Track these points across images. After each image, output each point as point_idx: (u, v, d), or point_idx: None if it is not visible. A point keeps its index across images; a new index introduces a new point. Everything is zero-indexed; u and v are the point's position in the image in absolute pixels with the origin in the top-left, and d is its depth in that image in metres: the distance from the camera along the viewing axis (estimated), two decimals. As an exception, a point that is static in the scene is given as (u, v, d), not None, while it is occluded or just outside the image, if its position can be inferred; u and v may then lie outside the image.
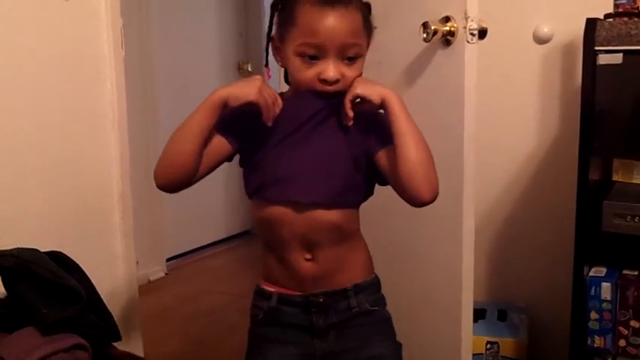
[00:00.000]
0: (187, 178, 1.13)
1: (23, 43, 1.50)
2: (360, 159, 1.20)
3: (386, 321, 1.29)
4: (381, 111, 1.17)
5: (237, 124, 1.17)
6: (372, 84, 1.15)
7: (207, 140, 1.14)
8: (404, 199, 1.16)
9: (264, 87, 1.13)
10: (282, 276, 1.23)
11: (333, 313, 1.22)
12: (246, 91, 1.11)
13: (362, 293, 1.24)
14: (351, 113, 1.16)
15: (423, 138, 1.15)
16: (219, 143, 1.17)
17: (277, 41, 1.20)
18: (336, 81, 1.14)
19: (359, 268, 1.25)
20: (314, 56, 1.12)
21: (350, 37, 1.12)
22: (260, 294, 1.27)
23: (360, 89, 1.14)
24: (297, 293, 1.22)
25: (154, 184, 1.16)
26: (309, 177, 1.17)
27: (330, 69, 1.12)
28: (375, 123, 1.19)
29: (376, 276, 1.29)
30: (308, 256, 1.20)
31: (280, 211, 1.17)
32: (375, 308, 1.26)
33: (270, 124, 1.14)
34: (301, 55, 1.13)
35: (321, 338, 1.23)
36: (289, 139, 1.17)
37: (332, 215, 1.18)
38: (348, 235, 1.23)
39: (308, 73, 1.14)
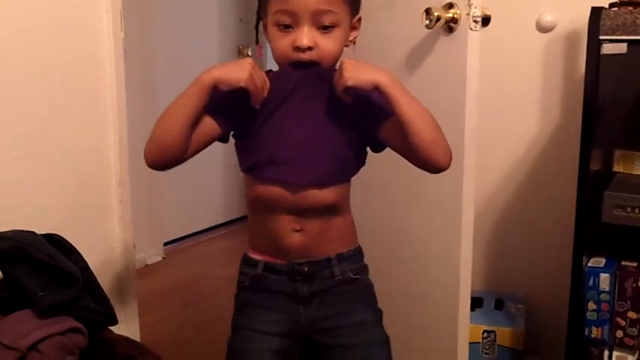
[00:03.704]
0: (176, 158, 1.15)
1: (20, 24, 1.48)
2: (352, 135, 1.20)
3: (368, 288, 1.31)
4: None
5: (227, 105, 1.17)
6: (361, 70, 1.12)
7: (196, 121, 1.14)
8: (418, 167, 1.17)
9: (255, 71, 1.12)
10: (269, 245, 1.24)
11: (317, 281, 1.24)
12: (237, 76, 1.11)
13: (345, 262, 1.26)
14: (348, 101, 1.15)
15: (425, 112, 1.13)
16: (209, 125, 1.17)
17: (263, 17, 1.20)
18: (309, 48, 1.13)
19: (344, 238, 1.27)
20: (288, 25, 1.13)
21: (323, 3, 1.12)
22: (246, 262, 1.29)
23: (351, 81, 1.11)
24: (282, 262, 1.24)
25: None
26: (304, 157, 1.17)
27: (303, 35, 1.12)
28: (368, 98, 1.17)
29: (359, 245, 1.30)
30: (297, 227, 1.21)
31: (274, 190, 1.19)
32: (358, 276, 1.28)
33: (258, 107, 1.15)
34: (277, 24, 1.14)
35: (305, 305, 1.25)
36: (279, 116, 1.17)
37: (326, 193, 1.20)
38: (339, 209, 1.25)
39: (283, 42, 1.14)
